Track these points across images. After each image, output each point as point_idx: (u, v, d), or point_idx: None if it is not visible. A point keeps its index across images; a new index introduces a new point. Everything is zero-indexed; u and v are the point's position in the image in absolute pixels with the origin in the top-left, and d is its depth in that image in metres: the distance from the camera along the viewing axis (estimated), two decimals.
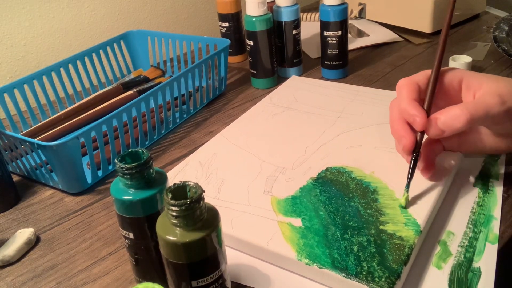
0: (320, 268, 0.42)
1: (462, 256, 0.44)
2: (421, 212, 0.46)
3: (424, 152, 0.50)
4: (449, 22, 0.51)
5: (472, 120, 0.45)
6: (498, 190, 0.51)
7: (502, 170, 0.54)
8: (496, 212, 0.49)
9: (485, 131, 0.50)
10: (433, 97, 0.49)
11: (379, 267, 0.41)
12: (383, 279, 0.40)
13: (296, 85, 0.76)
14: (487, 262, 0.43)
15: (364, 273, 0.40)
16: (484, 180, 0.53)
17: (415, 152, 0.48)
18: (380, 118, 0.63)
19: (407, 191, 0.47)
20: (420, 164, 0.50)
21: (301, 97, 0.72)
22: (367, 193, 0.50)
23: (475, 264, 0.43)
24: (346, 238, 0.44)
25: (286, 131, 0.63)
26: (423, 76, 0.50)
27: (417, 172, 0.51)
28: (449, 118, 0.45)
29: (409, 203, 0.47)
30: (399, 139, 0.49)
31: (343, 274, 0.41)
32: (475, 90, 0.48)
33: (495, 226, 0.47)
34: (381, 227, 0.45)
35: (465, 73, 0.49)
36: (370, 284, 0.39)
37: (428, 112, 0.48)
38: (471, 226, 0.47)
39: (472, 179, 0.53)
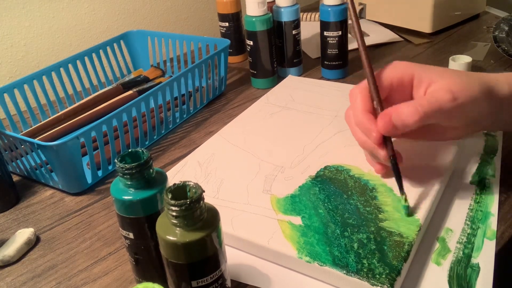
0: (321, 265, 0.42)
1: (461, 253, 0.44)
2: (420, 209, 0.46)
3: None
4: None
5: (426, 117, 0.45)
6: (494, 187, 0.52)
7: (498, 168, 0.54)
8: (493, 209, 0.49)
9: (437, 124, 0.49)
10: (382, 104, 0.48)
11: (379, 263, 0.41)
12: (383, 276, 0.40)
13: (292, 85, 0.76)
14: (485, 258, 0.44)
15: (365, 270, 0.41)
16: (480, 177, 0.53)
17: (391, 156, 0.47)
18: None
19: (404, 194, 0.47)
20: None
21: (297, 96, 0.72)
22: (366, 191, 0.50)
23: (473, 260, 0.43)
24: (346, 235, 0.44)
25: (283, 130, 0.63)
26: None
27: (416, 172, 0.51)
28: (402, 117, 0.45)
29: (409, 201, 0.48)
30: (373, 151, 0.49)
31: (344, 271, 0.41)
32: (426, 86, 0.47)
33: (493, 223, 0.47)
34: (380, 224, 0.45)
35: (416, 69, 0.49)
36: (371, 280, 0.40)
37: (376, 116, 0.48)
38: (469, 223, 0.47)
39: (469, 176, 0.54)
